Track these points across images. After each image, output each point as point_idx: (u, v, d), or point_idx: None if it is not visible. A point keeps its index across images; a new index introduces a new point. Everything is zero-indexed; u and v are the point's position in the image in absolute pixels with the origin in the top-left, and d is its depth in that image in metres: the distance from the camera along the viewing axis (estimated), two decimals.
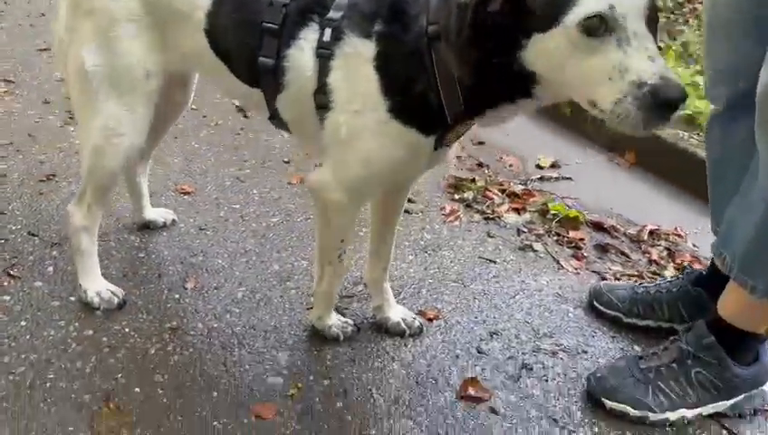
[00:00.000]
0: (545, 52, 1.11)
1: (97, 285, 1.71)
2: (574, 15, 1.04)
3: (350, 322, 1.71)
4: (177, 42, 1.51)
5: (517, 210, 2.37)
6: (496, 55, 1.16)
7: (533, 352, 1.74)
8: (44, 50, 3.31)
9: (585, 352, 1.76)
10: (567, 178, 2.66)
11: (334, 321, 1.68)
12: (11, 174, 2.26)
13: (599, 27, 1.04)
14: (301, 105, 1.40)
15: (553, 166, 2.73)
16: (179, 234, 2.04)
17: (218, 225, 2.11)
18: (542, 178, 2.63)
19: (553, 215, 2.34)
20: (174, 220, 2.08)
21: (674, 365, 1.60)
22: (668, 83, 1.02)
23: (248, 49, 1.41)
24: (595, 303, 1.92)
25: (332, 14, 1.31)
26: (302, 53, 1.35)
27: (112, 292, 1.71)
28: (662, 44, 3.61)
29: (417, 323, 1.73)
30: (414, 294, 1.90)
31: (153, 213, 2.05)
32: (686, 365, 1.59)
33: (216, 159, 2.53)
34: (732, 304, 1.57)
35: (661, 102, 1.02)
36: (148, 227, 2.03)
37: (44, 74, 3.06)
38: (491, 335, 1.78)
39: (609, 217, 2.38)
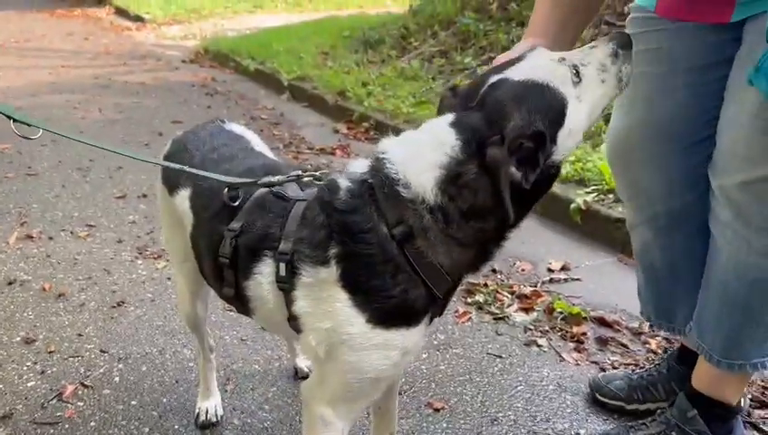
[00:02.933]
0: (567, 134, 1.22)
1: (208, 402, 1.98)
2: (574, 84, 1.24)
3: None
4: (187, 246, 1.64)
5: (526, 310, 2.61)
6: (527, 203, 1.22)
7: None
8: (120, 197, 3.88)
9: (578, 433, 1.94)
10: (576, 279, 2.88)
11: None
12: (88, 303, 2.68)
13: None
14: (276, 326, 1.45)
15: (563, 268, 2.96)
16: (224, 345, 2.37)
17: (257, 336, 2.44)
18: (551, 281, 2.87)
19: (559, 313, 2.55)
20: None
21: None
22: None
23: (214, 277, 1.49)
24: (597, 395, 2.07)
25: (283, 247, 1.28)
26: (260, 287, 1.34)
27: (216, 408, 1.98)
28: None
29: None
30: (424, 387, 2.14)
31: (301, 362, 2.18)
32: None
33: None
34: (702, 375, 1.75)
35: None
36: (296, 373, 2.19)
37: (120, 218, 3.58)
38: (492, 422, 1.98)
39: (613, 313, 2.58)
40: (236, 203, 1.41)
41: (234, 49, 9.10)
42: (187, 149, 1.67)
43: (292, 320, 1.31)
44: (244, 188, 1.42)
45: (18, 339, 2.41)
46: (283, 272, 1.27)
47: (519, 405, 2.06)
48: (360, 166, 1.30)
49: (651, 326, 2.42)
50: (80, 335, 2.44)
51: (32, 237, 3.30)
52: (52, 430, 1.93)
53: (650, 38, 1.64)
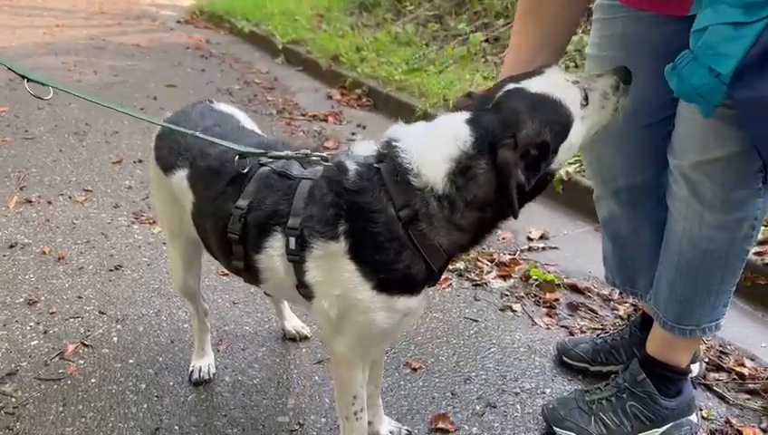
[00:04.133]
0: (567, 148, 1.36)
1: (201, 361, 2.13)
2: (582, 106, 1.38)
3: None
4: (185, 222, 1.75)
5: (503, 277, 2.75)
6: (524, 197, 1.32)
7: (499, 393, 2.08)
8: (116, 162, 3.98)
9: (544, 392, 2.09)
10: (553, 248, 3.02)
11: None
12: (87, 266, 2.81)
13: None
14: (285, 293, 1.56)
15: (542, 237, 3.09)
16: (217, 308, 2.51)
17: (249, 299, 2.58)
18: (530, 249, 3.00)
19: (535, 280, 2.69)
20: (306, 336, 2.31)
21: (612, 399, 1.91)
22: None
23: (221, 252, 1.59)
24: (564, 358, 2.23)
25: (292, 222, 1.38)
26: (271, 259, 1.45)
27: (210, 367, 2.12)
28: None
29: (404, 433, 1.89)
30: (404, 348, 2.29)
31: (289, 325, 2.33)
32: (623, 399, 1.90)
33: None
34: (655, 341, 1.90)
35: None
36: (284, 334, 2.34)
37: (116, 183, 3.69)
38: (465, 381, 2.13)
39: (586, 280, 2.72)
40: (245, 170, 1.50)
41: (228, 10, 9.08)
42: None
43: (302, 288, 1.43)
44: (253, 158, 1.51)
45: (21, 300, 2.54)
46: (293, 245, 1.38)
47: (491, 365, 2.21)
48: (364, 149, 1.41)
49: (621, 293, 2.57)
50: (79, 297, 2.57)
51: (31, 202, 3.41)
52: (55, 386, 2.08)
53: (615, 24, 1.73)
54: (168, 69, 6.53)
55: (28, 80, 1.47)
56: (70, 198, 3.49)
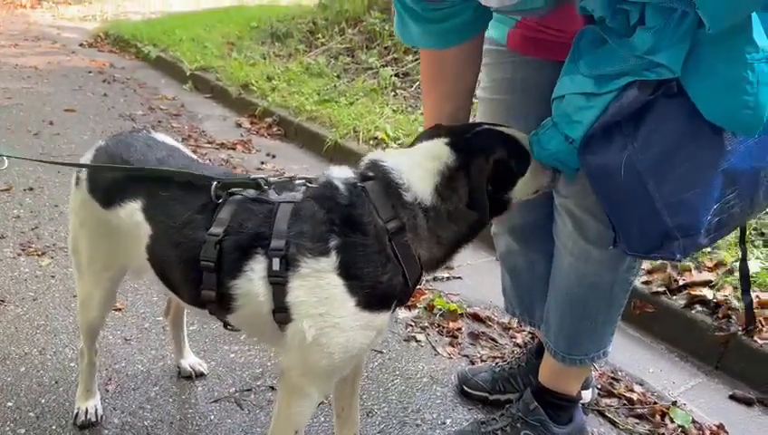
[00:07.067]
0: (523, 182, 1.53)
1: (87, 402, 1.99)
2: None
3: None
4: (127, 257, 1.70)
5: (409, 307, 2.76)
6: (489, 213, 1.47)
7: (401, 425, 2.07)
8: (5, 190, 3.74)
9: (444, 423, 2.10)
10: (457, 278, 3.07)
11: None
12: None
13: None
14: (255, 320, 1.49)
15: (447, 267, 3.13)
16: (107, 345, 2.37)
17: (142, 335, 2.46)
18: (435, 279, 3.03)
19: (438, 309, 2.72)
20: (202, 373, 2.24)
21: (507, 429, 1.94)
22: None
23: (187, 283, 1.52)
24: (464, 387, 2.25)
25: (276, 244, 1.39)
26: (250, 283, 1.42)
27: (97, 408, 1.99)
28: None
29: None
30: None
31: (185, 362, 2.24)
32: (517, 428, 1.93)
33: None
34: (546, 370, 1.95)
35: None
36: (179, 372, 2.24)
37: (3, 212, 3.45)
38: (367, 414, 2.11)
39: (487, 309, 2.78)
40: (220, 201, 1.48)
41: (135, 34, 8.84)
42: (124, 161, 1.63)
43: (280, 312, 1.41)
44: (235, 187, 1.51)
45: None
46: (276, 267, 1.38)
47: (393, 398, 2.20)
48: (343, 172, 1.50)
49: (519, 322, 2.63)
50: None
51: None
52: None
53: (505, 68, 1.80)
54: (67, 93, 6.25)
55: None
56: None
